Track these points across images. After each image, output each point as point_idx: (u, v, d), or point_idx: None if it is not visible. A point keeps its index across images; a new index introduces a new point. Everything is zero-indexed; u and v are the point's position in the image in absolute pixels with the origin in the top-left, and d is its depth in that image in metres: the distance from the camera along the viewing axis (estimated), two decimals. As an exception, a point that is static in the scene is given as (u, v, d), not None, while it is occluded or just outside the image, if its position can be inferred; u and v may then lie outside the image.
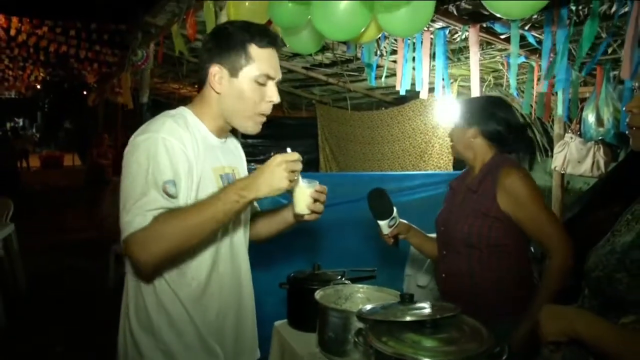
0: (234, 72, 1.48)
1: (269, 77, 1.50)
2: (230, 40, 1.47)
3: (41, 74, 12.17)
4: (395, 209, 2.12)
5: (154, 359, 1.48)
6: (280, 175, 1.36)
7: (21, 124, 26.81)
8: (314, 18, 2.07)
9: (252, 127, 1.54)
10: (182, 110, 1.54)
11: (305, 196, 1.54)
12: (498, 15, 1.88)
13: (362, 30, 2.14)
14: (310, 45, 2.54)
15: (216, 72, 1.48)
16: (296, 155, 1.40)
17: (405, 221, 2.22)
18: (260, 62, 1.48)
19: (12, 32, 8.88)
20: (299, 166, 1.41)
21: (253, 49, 1.48)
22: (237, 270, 1.64)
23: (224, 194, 1.36)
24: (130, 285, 1.51)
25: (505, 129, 2.05)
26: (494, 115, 2.06)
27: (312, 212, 1.58)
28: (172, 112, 1.52)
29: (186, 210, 1.35)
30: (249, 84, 1.48)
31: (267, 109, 1.54)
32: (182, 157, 1.41)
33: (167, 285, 1.48)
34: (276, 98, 1.53)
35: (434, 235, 2.27)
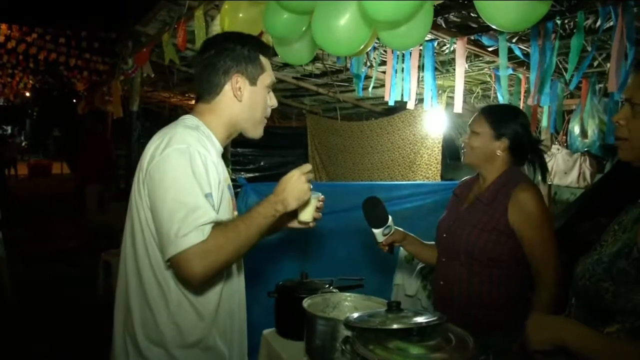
0: (252, 81, 1.57)
1: (273, 84, 1.64)
2: (247, 50, 1.55)
3: (30, 82, 12.10)
4: (390, 218, 2.11)
5: None
6: (302, 187, 1.48)
7: (9, 131, 26.59)
8: (315, 33, 2.09)
9: (261, 131, 1.64)
10: (196, 121, 1.54)
11: (312, 206, 1.64)
12: (493, 26, 1.90)
13: (363, 47, 2.17)
14: (303, 56, 2.57)
15: (238, 81, 1.54)
16: (310, 167, 1.54)
17: (400, 229, 2.20)
18: (268, 69, 1.61)
19: (1, 38, 8.85)
20: (312, 176, 1.53)
21: (262, 58, 1.59)
22: (241, 273, 1.69)
23: (263, 208, 1.45)
24: (135, 301, 1.49)
25: (528, 142, 2.05)
26: (523, 128, 2.03)
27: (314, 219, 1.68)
28: (188, 122, 1.53)
29: (236, 225, 1.41)
30: (263, 91, 1.60)
31: (269, 113, 1.66)
32: (213, 170, 1.45)
33: (186, 299, 1.47)
34: (276, 103, 1.66)
35: (431, 242, 2.27)
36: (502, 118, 2.05)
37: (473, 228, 1.98)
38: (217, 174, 1.47)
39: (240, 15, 2.70)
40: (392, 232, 2.13)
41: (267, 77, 1.60)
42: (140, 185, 1.45)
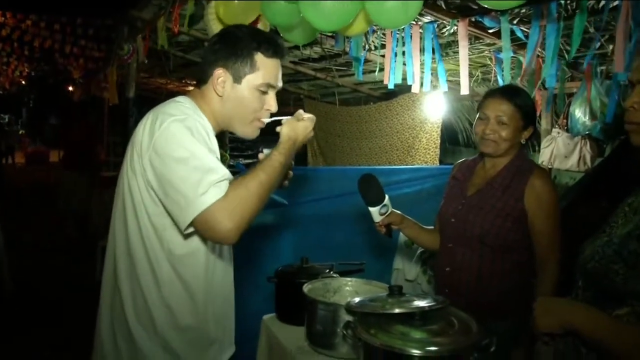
0: (237, 78, 1.52)
1: (270, 86, 1.56)
2: (238, 46, 1.51)
3: (26, 69, 12.00)
4: (387, 197, 2.06)
5: (154, 354, 1.46)
6: (307, 126, 1.56)
7: (6, 120, 26.45)
8: (303, 8, 2.05)
9: (250, 132, 1.60)
10: (188, 101, 1.53)
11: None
12: (486, 6, 1.86)
13: (351, 21, 2.12)
14: (303, 38, 2.54)
15: (220, 76, 1.51)
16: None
17: (398, 212, 2.16)
18: (265, 71, 1.53)
19: (-4, 26, 8.75)
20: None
21: (259, 58, 1.52)
22: (230, 257, 1.68)
23: (276, 156, 1.46)
24: (124, 283, 1.47)
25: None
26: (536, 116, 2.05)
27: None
28: (180, 99, 1.52)
29: (252, 177, 1.39)
30: (250, 92, 1.53)
31: (265, 116, 1.59)
32: (214, 140, 1.48)
33: (178, 281, 1.47)
34: (274, 108, 1.58)
35: (429, 227, 2.25)
36: (531, 108, 2.03)
37: (487, 214, 1.94)
38: (214, 145, 1.48)
39: (236, 3, 2.65)
40: (389, 211, 2.07)
41: (259, 78, 1.52)
42: (134, 165, 1.42)
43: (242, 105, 1.54)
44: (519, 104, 1.97)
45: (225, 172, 1.36)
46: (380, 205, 2.03)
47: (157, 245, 1.43)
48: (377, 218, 2.06)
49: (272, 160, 1.45)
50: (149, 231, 1.43)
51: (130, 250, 1.46)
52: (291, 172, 1.67)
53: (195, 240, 1.47)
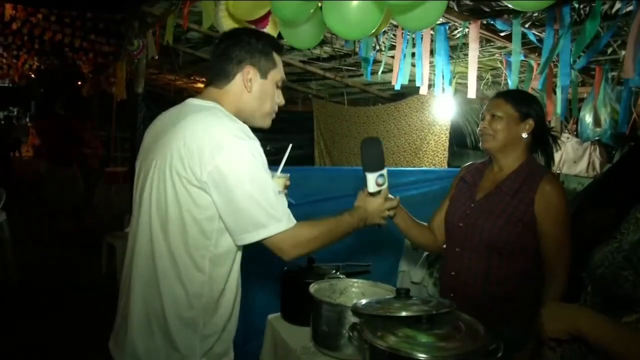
0: (264, 74, 1.64)
1: (283, 81, 1.72)
2: (262, 45, 1.64)
3: (35, 63, 12.04)
4: (386, 169, 1.87)
5: (195, 351, 1.51)
6: (383, 212, 1.83)
7: (15, 113, 26.54)
8: (327, 17, 2.06)
9: (268, 122, 1.72)
10: (223, 109, 1.58)
11: (281, 185, 1.79)
12: (511, 7, 1.85)
13: (375, 30, 2.12)
14: (309, 40, 2.53)
15: (249, 72, 1.61)
16: (397, 202, 1.91)
17: (393, 197, 2.00)
18: (279, 67, 1.69)
19: (7, 18, 8.77)
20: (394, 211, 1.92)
21: (275, 55, 1.67)
22: None
23: (349, 219, 1.71)
24: (164, 283, 1.49)
25: (547, 126, 2.05)
26: (542, 110, 2.02)
27: None
28: (219, 112, 1.56)
29: (329, 223, 1.64)
30: (271, 86, 1.67)
31: (276, 109, 1.73)
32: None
33: (214, 272, 1.54)
34: (283, 101, 1.74)
35: (422, 222, 2.18)
36: (525, 98, 2.02)
37: (497, 219, 1.91)
38: None
39: None
40: (385, 185, 1.86)
41: (278, 73, 1.67)
42: (178, 170, 1.45)
43: (266, 98, 1.66)
44: (510, 96, 2.02)
45: (286, 203, 1.53)
46: (378, 174, 1.84)
47: (202, 249, 1.50)
48: (373, 187, 1.84)
49: (345, 218, 1.70)
50: (195, 233, 1.48)
51: (171, 251, 1.49)
52: (289, 182, 1.84)
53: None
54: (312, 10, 2.20)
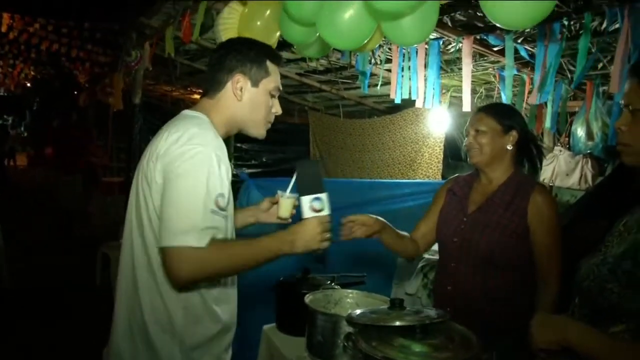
0: (255, 82, 1.62)
1: (278, 90, 1.68)
2: (254, 53, 1.62)
3: (32, 72, 12.04)
4: (326, 194, 1.69)
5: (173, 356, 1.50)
6: (315, 237, 1.55)
7: (10, 122, 26.45)
8: (320, 26, 2.09)
9: (263, 133, 1.69)
10: (205, 120, 1.56)
11: (291, 204, 1.80)
12: (497, 25, 1.89)
13: (367, 41, 2.16)
14: (319, 52, 2.62)
15: (239, 81, 1.59)
16: (328, 217, 1.62)
17: (381, 218, 2.03)
18: (274, 76, 1.66)
19: (4, 28, 8.79)
20: (329, 227, 1.60)
21: (269, 64, 1.64)
22: None
23: (270, 241, 1.51)
24: (143, 290, 1.50)
25: (532, 137, 2.08)
26: (525, 122, 2.06)
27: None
28: (199, 120, 1.55)
29: (238, 246, 1.51)
30: (264, 95, 1.64)
31: (272, 118, 1.70)
32: (227, 170, 1.51)
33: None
34: (280, 110, 1.71)
35: (404, 233, 2.17)
36: (505, 111, 2.06)
37: (493, 232, 1.93)
38: (228, 173, 1.52)
39: (258, 24, 2.71)
40: (324, 211, 1.65)
41: (271, 82, 1.64)
42: (153, 173, 1.45)
43: (259, 108, 1.63)
44: (492, 110, 2.06)
45: (215, 228, 1.40)
46: (313, 197, 1.66)
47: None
48: (307, 212, 1.64)
49: (261, 243, 1.51)
50: None
51: (149, 256, 1.48)
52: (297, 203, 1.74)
53: None
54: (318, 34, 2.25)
